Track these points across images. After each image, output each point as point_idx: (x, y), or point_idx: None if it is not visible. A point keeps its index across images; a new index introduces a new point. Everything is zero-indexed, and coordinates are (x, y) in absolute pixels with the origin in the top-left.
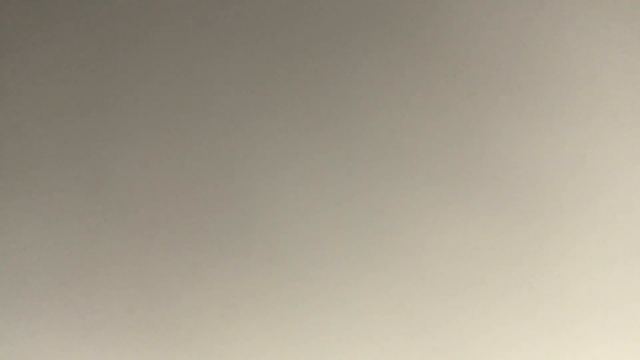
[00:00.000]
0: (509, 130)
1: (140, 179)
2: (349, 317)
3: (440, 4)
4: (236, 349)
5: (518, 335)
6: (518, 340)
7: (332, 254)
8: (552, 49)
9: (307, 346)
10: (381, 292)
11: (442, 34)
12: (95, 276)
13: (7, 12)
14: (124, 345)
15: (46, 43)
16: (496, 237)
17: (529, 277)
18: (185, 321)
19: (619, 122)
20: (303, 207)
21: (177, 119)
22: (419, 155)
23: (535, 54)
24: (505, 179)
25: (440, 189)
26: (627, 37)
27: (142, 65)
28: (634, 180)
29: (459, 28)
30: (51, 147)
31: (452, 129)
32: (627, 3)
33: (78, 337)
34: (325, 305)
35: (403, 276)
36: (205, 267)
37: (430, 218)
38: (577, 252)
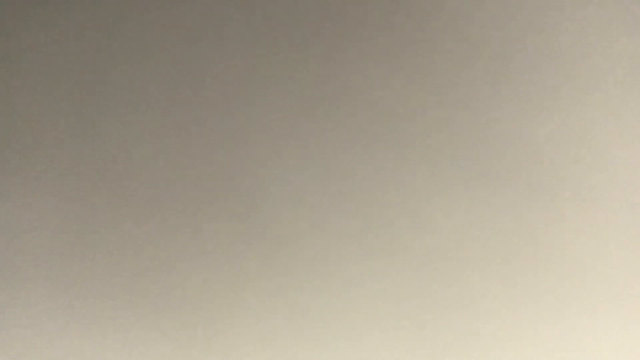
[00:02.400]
0: (511, 117)
1: (140, 172)
2: (350, 306)
3: None
4: (237, 337)
5: (520, 326)
6: (520, 332)
7: (334, 244)
8: (552, 36)
9: (307, 334)
10: (382, 281)
11: (442, 21)
12: (95, 263)
13: (6, 7)
14: (125, 330)
15: (47, 34)
16: (497, 226)
17: (529, 268)
18: (186, 313)
19: (621, 109)
20: (306, 194)
21: (178, 109)
22: (420, 144)
23: (535, 40)
24: (506, 168)
25: (442, 179)
26: (628, 24)
27: (143, 60)
28: (635, 167)
29: (459, 14)
30: (53, 138)
31: (453, 116)
32: None
33: (78, 323)
34: (326, 293)
35: (404, 266)
36: (207, 255)
37: (431, 208)
38: (579, 241)
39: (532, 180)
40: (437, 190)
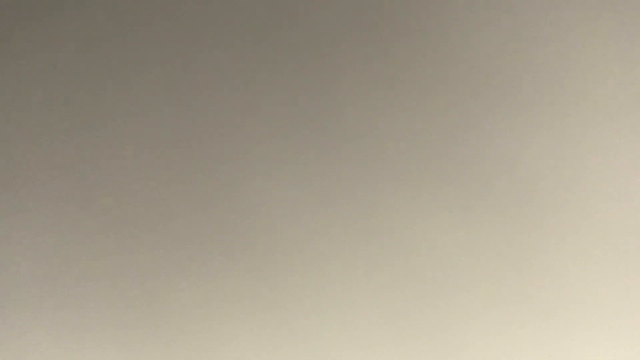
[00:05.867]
0: (506, 132)
1: (134, 179)
2: (342, 319)
3: (438, 3)
4: (229, 348)
5: (514, 337)
6: (514, 342)
7: (325, 256)
8: (550, 50)
9: (300, 346)
10: (375, 293)
11: (439, 34)
12: (88, 276)
13: (4, 10)
14: (118, 345)
15: (41, 42)
16: (492, 239)
17: (525, 279)
18: (179, 320)
19: (618, 123)
20: (298, 207)
21: (171, 119)
22: (413, 156)
23: (533, 54)
24: (501, 181)
25: (436, 191)
26: (627, 37)
27: (136, 65)
28: (632, 179)
29: (457, 27)
30: (47, 147)
31: (447, 131)
32: (626, 3)
33: (72, 337)
34: (318, 306)
35: (397, 277)
36: (199, 267)
37: (425, 220)
38: (575, 253)
39: (525, 198)
40: (431, 208)
